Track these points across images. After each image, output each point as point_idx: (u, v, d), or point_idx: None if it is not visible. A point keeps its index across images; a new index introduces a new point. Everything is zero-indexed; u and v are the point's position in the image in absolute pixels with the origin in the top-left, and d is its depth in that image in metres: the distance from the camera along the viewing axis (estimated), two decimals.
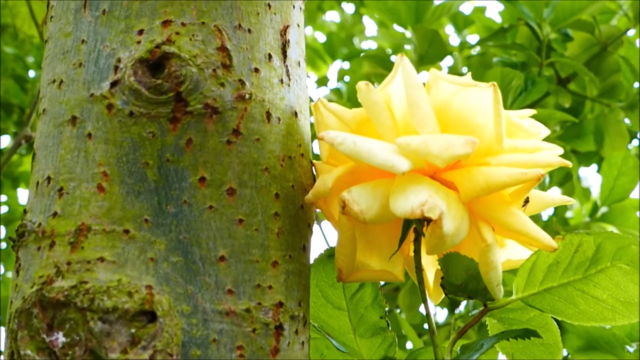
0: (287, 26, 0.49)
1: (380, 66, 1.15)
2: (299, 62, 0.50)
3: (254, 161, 0.45)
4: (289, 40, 0.49)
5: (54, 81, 0.46)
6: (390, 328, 0.51)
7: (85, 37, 0.46)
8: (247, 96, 0.45)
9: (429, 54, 1.06)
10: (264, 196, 0.45)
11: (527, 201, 0.46)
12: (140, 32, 0.45)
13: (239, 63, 0.45)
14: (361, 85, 0.45)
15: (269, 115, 0.46)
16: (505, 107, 1.03)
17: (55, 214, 0.43)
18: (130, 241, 0.42)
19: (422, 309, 1.35)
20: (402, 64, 0.45)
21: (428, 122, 0.44)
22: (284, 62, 0.48)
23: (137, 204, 0.43)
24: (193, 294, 0.42)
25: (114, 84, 0.44)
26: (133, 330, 0.40)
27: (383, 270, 0.49)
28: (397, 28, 1.17)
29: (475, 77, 1.04)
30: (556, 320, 0.82)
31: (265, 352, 0.43)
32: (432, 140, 0.42)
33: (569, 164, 0.45)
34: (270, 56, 0.47)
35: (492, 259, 0.44)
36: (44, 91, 0.47)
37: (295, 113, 0.49)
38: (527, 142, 0.46)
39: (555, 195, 0.48)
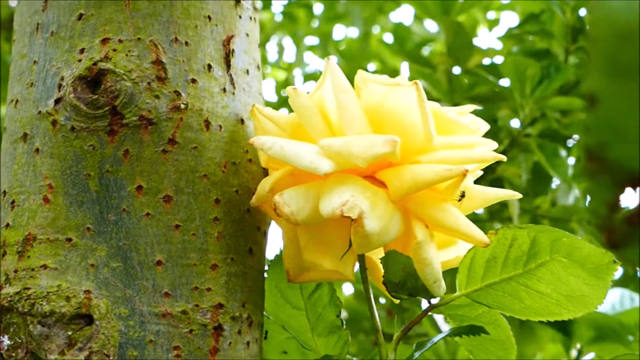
0: (232, 36, 0.50)
1: (414, 62, 1.15)
2: (247, 70, 0.51)
3: (191, 169, 0.46)
4: (233, 49, 0.50)
5: (12, 101, 0.49)
6: (345, 327, 0.51)
7: (36, 58, 0.49)
8: (182, 106, 0.46)
9: (454, 46, 1.05)
10: (203, 202, 0.46)
11: (463, 196, 0.46)
12: (82, 50, 0.47)
13: (174, 75, 0.47)
14: (289, 90, 0.46)
15: (207, 123, 0.47)
16: (524, 97, 1.01)
17: (7, 225, 0.46)
18: (73, 249, 0.45)
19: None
20: (329, 68, 0.45)
21: (355, 124, 0.45)
22: (227, 71, 0.50)
23: (80, 213, 0.45)
24: (131, 297, 0.44)
25: (57, 101, 0.46)
26: (70, 333, 0.43)
27: (333, 270, 0.50)
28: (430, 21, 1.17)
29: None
30: None
31: (203, 352, 0.45)
32: (354, 140, 0.43)
33: (503, 158, 0.45)
34: (210, 66, 0.48)
35: (425, 256, 0.44)
36: (6, 111, 0.50)
37: (242, 120, 0.50)
38: (461, 139, 0.46)
39: (499, 190, 0.47)
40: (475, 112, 0.85)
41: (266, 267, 0.52)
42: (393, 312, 1.09)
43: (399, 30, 1.76)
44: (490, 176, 1.03)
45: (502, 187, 1.04)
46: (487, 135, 1.01)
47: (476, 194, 0.47)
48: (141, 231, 0.45)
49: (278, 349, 0.61)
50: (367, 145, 0.42)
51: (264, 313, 0.53)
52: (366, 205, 0.42)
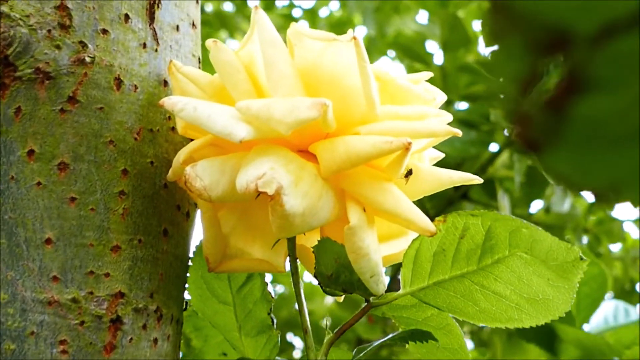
0: None
1: (407, 56, 1.08)
2: (177, 26, 0.45)
3: (94, 133, 0.40)
4: (159, 0, 0.43)
5: None
6: (275, 326, 0.44)
7: None
8: (87, 59, 0.40)
9: (451, 39, 0.98)
10: (106, 172, 0.40)
11: (409, 173, 0.39)
12: None
13: (81, 23, 0.40)
14: (209, 43, 0.39)
15: (119, 81, 0.41)
16: None
17: None
18: None
19: None
20: (257, 17, 0.39)
21: (283, 83, 0.38)
22: (150, 24, 0.43)
23: None
24: (13, 280, 0.37)
25: None
26: None
27: (260, 260, 0.43)
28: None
29: None
30: (550, 329, 0.73)
31: (96, 348, 0.38)
32: (277, 103, 0.36)
33: (458, 132, 0.38)
34: (127, 17, 0.42)
35: (360, 245, 0.37)
36: None
37: (165, 82, 0.43)
38: (410, 109, 0.39)
39: (455, 172, 0.40)
40: (467, 109, 0.77)
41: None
42: (373, 318, 1.02)
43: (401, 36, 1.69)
44: (481, 177, 0.96)
45: (493, 190, 0.97)
46: (479, 132, 0.93)
47: (428, 175, 0.40)
48: (30, 203, 0.38)
49: (217, 350, 0.54)
50: (290, 108, 0.35)
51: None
52: (287, 179, 0.35)
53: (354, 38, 0.37)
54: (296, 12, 2.05)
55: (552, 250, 0.36)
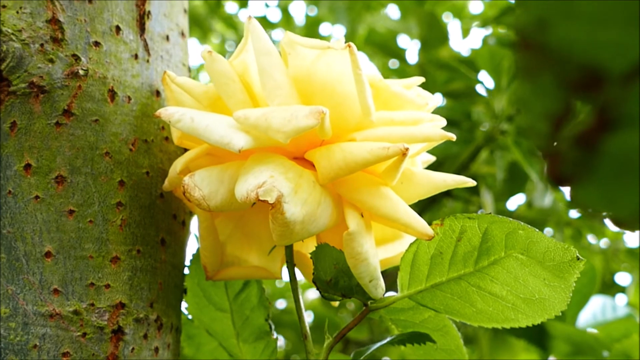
0: None
1: (381, 52, 1.09)
2: (167, 36, 0.45)
3: (90, 145, 0.40)
4: (149, 11, 0.44)
5: None
6: (274, 331, 0.45)
7: None
8: (81, 72, 0.40)
9: (429, 38, 0.99)
10: (103, 184, 0.40)
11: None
12: None
13: (73, 36, 0.40)
14: (204, 53, 0.39)
15: (113, 93, 0.41)
16: (500, 89, 0.95)
17: None
18: None
19: None
20: (251, 27, 0.39)
21: (279, 93, 0.38)
22: (141, 35, 0.43)
23: None
24: (14, 294, 0.38)
25: None
26: None
27: (257, 267, 0.43)
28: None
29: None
30: (542, 326, 0.74)
31: (99, 359, 0.38)
32: (274, 112, 0.37)
33: (452, 137, 0.39)
34: (118, 28, 0.42)
35: (359, 250, 0.37)
36: None
37: (158, 92, 0.44)
38: (404, 114, 0.39)
39: (449, 175, 0.41)
40: (448, 107, 0.78)
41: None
42: None
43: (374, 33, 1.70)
44: (464, 174, 0.96)
45: (476, 186, 0.98)
46: (461, 130, 0.94)
47: (422, 179, 0.41)
48: (29, 217, 0.38)
49: (209, 357, 0.54)
50: (288, 117, 0.36)
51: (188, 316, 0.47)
52: (287, 187, 0.36)
53: (349, 46, 0.37)
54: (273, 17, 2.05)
55: (549, 250, 0.37)
